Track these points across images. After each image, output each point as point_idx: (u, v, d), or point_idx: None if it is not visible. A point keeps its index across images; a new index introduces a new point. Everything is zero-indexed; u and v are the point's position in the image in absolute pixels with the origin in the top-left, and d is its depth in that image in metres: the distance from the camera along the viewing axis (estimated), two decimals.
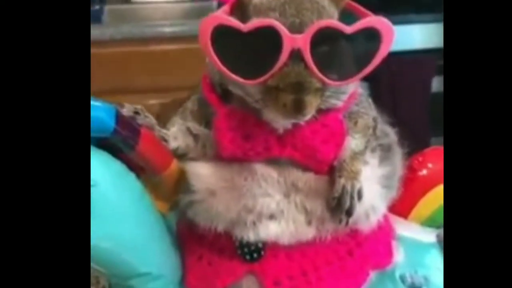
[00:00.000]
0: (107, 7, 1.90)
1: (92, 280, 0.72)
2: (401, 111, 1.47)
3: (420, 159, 0.67)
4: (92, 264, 0.52)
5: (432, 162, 0.67)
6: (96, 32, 1.59)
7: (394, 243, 0.61)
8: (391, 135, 0.59)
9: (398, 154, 0.58)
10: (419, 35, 1.66)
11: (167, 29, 1.56)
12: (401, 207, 0.65)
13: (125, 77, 1.47)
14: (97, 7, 1.92)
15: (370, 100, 0.57)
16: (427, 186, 0.66)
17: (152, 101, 1.22)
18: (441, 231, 0.68)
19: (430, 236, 0.67)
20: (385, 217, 0.59)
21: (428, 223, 0.67)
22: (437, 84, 1.66)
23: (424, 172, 0.67)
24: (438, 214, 0.66)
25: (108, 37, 1.59)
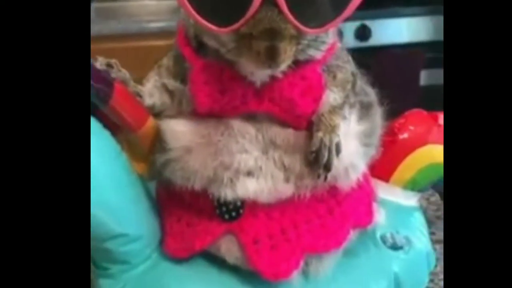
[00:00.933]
0: (94, 4, 1.90)
1: None
2: (390, 105, 1.49)
3: (401, 121, 0.67)
4: None
5: (413, 124, 0.67)
6: None
7: (375, 205, 0.60)
8: (371, 94, 0.58)
9: (378, 112, 0.57)
10: (407, 29, 1.66)
11: (153, 25, 1.57)
12: (382, 170, 0.65)
13: None
14: None
15: (349, 56, 0.56)
16: (408, 149, 0.66)
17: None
18: (423, 194, 0.68)
19: (412, 200, 0.67)
20: (366, 178, 0.58)
21: (409, 186, 0.66)
22: (425, 77, 1.68)
23: (405, 135, 0.66)
24: (419, 177, 0.66)
25: (95, 33, 1.58)
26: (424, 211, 0.77)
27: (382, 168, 0.65)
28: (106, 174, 0.50)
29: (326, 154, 0.50)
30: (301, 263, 0.52)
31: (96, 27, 1.62)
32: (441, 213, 0.80)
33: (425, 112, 0.67)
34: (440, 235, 0.74)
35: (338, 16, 0.45)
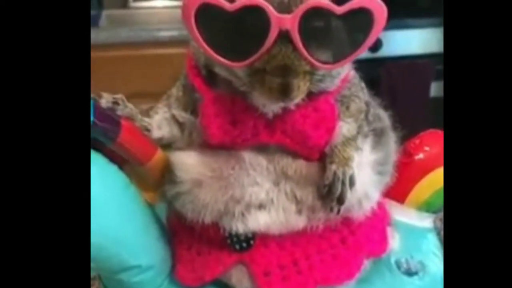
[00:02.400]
0: (104, 12, 1.91)
1: None
2: (400, 117, 1.49)
3: (417, 142, 0.66)
4: None
5: (429, 145, 0.65)
6: (93, 36, 1.60)
7: (389, 230, 0.59)
8: (384, 118, 0.56)
9: (391, 138, 0.56)
10: (418, 40, 1.65)
11: (164, 34, 1.57)
12: (397, 191, 0.64)
13: (121, 80, 1.47)
14: (95, 11, 1.93)
15: (362, 83, 0.54)
16: (424, 170, 0.65)
17: (148, 106, 1.25)
18: (438, 215, 0.66)
19: (426, 222, 0.66)
20: (380, 204, 0.57)
21: (424, 207, 0.65)
22: (436, 89, 1.66)
23: (420, 156, 0.65)
24: (435, 199, 0.65)
25: (105, 41, 1.59)
26: (439, 232, 0.76)
27: (397, 189, 0.63)
28: (116, 207, 0.50)
29: (339, 187, 0.49)
30: None
31: (107, 35, 1.63)
32: None
33: (440, 132, 0.66)
34: None
35: (353, 52, 0.44)
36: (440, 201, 0.65)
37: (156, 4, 1.95)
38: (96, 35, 1.62)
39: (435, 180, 0.64)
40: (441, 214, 0.76)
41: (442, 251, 0.65)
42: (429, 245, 0.64)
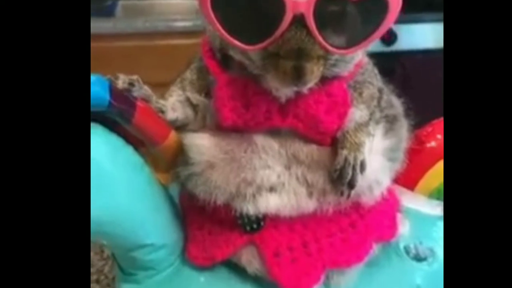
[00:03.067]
0: (120, 2, 1.92)
1: (97, 249, 0.73)
2: (415, 111, 1.50)
3: (429, 130, 0.66)
4: (97, 236, 0.52)
5: (441, 133, 0.66)
6: (109, 25, 1.61)
7: (399, 216, 0.60)
8: (397, 106, 0.57)
9: (404, 125, 0.57)
10: (433, 34, 1.62)
11: (179, 24, 1.58)
12: (408, 178, 0.64)
13: (136, 70, 1.51)
14: (111, 1, 1.94)
15: (376, 70, 0.55)
16: (435, 158, 0.65)
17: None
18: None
19: (437, 209, 0.66)
20: (390, 190, 0.58)
21: (435, 195, 0.66)
22: None
23: (432, 143, 0.66)
24: None
25: (121, 30, 1.61)
26: None
27: (408, 176, 0.64)
28: (131, 186, 0.51)
29: (350, 172, 0.49)
30: (322, 278, 0.53)
31: (123, 25, 1.64)
32: None
33: None
34: None
35: (367, 37, 0.44)
36: None
37: None
38: (112, 25, 1.63)
39: None
40: None
41: None
42: (439, 232, 0.64)
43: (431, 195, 0.65)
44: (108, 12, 1.94)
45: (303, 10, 0.42)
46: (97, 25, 1.63)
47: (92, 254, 0.73)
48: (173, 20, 1.61)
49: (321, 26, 0.42)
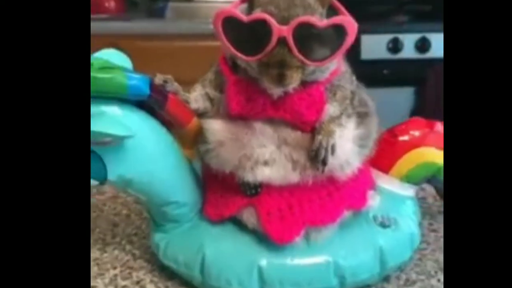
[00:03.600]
0: (170, 4, 2.05)
1: (137, 212, 0.92)
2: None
3: (403, 126, 0.80)
4: (136, 193, 0.71)
5: (413, 129, 0.79)
6: (159, 26, 1.73)
7: (371, 192, 0.74)
8: (370, 105, 0.72)
9: (374, 121, 0.70)
10: None
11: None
12: (384, 164, 0.78)
13: (182, 68, 1.60)
14: (162, 3, 2.09)
15: (353, 77, 0.70)
16: (406, 149, 0.78)
17: None
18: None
19: (408, 191, 0.80)
20: (365, 170, 0.73)
21: (405, 179, 0.78)
22: None
23: (405, 137, 0.78)
24: (413, 172, 0.78)
25: (170, 31, 1.73)
26: (429, 206, 0.91)
27: (384, 162, 0.78)
28: (164, 157, 0.68)
29: (323, 153, 0.64)
30: (302, 232, 0.68)
31: (172, 26, 1.73)
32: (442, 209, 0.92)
33: (424, 120, 0.80)
34: (437, 226, 0.87)
35: (333, 54, 0.60)
36: (417, 174, 0.79)
37: None
38: (162, 26, 1.74)
39: (416, 155, 0.77)
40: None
41: (418, 217, 0.79)
42: (407, 210, 0.77)
43: (402, 179, 0.78)
44: (159, 14, 2.10)
45: (285, 34, 0.58)
46: (148, 25, 1.73)
47: (133, 215, 0.92)
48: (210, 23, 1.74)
49: (298, 45, 0.59)
